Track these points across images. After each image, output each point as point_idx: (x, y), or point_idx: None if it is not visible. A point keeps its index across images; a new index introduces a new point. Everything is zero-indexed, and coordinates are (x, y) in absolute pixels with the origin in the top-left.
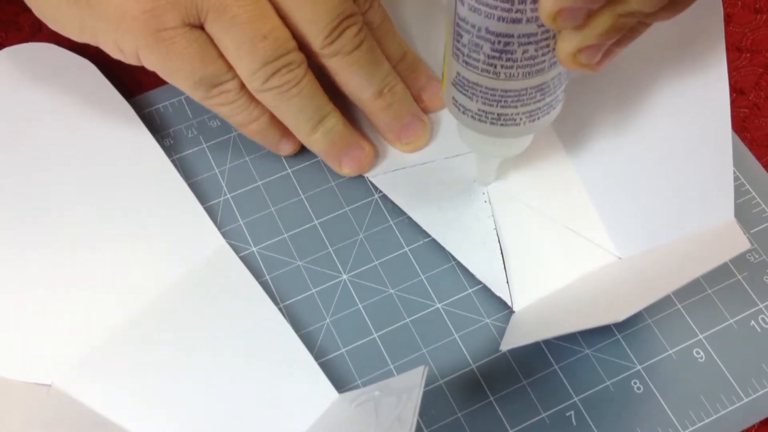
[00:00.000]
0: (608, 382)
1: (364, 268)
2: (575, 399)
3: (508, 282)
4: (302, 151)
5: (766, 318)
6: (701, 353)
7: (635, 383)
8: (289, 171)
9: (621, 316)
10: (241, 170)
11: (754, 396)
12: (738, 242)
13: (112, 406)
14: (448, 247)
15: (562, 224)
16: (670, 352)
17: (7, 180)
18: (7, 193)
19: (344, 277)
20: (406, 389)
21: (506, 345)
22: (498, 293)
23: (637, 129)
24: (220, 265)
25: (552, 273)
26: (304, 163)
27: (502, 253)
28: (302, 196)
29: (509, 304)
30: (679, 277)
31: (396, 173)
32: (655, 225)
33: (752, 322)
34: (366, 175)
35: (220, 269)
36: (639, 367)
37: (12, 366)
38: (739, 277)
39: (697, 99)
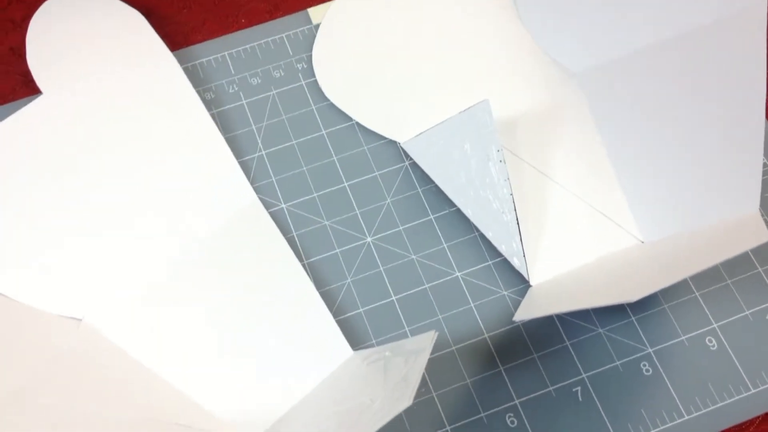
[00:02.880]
0: (618, 362)
1: (388, 232)
2: (583, 376)
3: (524, 255)
4: (337, 113)
5: None
6: (713, 342)
7: (644, 365)
8: (324, 132)
9: (634, 297)
10: (278, 128)
11: (762, 388)
12: (759, 234)
13: (138, 346)
14: (470, 216)
15: (586, 203)
16: (683, 338)
17: (55, 123)
18: (55, 135)
19: (368, 239)
20: (415, 352)
21: (519, 317)
22: (515, 266)
23: (670, 116)
24: (250, 219)
25: (572, 250)
26: (339, 125)
27: (518, 225)
28: (334, 158)
29: (526, 277)
30: (696, 263)
31: (424, 138)
32: (681, 212)
33: (767, 316)
34: (398, 141)
35: (250, 223)
36: (650, 350)
37: (46, 298)
38: (760, 269)
39: (732, 89)
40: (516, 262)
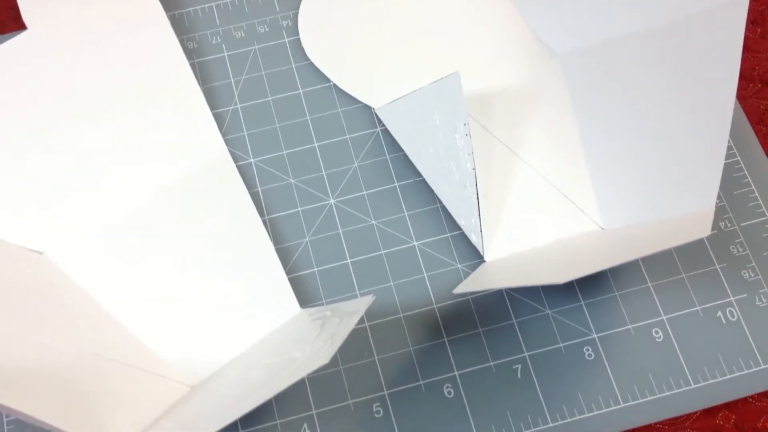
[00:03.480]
0: (561, 344)
1: (352, 195)
2: (525, 354)
3: (481, 231)
4: (316, 74)
5: (734, 311)
6: (660, 333)
7: (587, 350)
8: (301, 91)
9: (562, 279)
10: (256, 83)
11: (702, 384)
12: (701, 229)
13: (94, 284)
14: (433, 187)
15: (552, 185)
16: (629, 326)
17: (35, 59)
18: (34, 72)
19: (331, 201)
20: (350, 313)
21: (459, 289)
22: (472, 240)
23: (643, 106)
24: (217, 170)
25: (531, 231)
26: (317, 86)
27: (478, 200)
28: (308, 118)
29: (481, 252)
30: (633, 251)
31: (397, 105)
32: (642, 202)
33: (719, 313)
34: (373, 106)
35: (217, 174)
36: (594, 335)
37: (10, 229)
38: (717, 267)
39: (705, 86)
40: (473, 238)
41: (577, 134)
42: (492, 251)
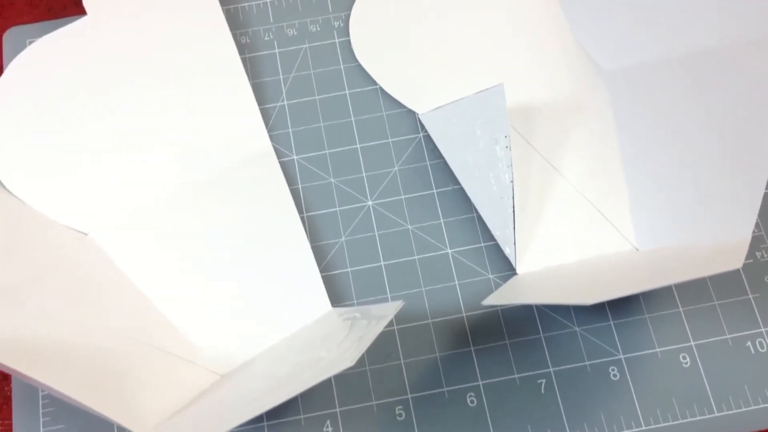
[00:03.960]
0: (587, 362)
1: (390, 199)
2: (550, 369)
3: (515, 243)
4: (364, 76)
5: (763, 342)
6: (687, 359)
7: (613, 369)
8: (347, 92)
9: (590, 300)
10: (304, 82)
11: (726, 413)
12: (733, 261)
13: (135, 268)
14: (470, 196)
15: (589, 201)
16: (657, 350)
17: (93, 44)
18: (91, 55)
19: (369, 203)
20: (379, 317)
21: (488, 301)
22: (506, 252)
23: (688, 129)
24: (261, 164)
25: (565, 246)
26: (363, 87)
27: (514, 213)
28: (352, 119)
29: (513, 265)
30: (662, 278)
31: (441, 113)
32: (679, 226)
33: (748, 343)
34: (417, 111)
35: (260, 168)
36: (621, 356)
37: (57, 209)
38: (751, 296)
39: (750, 115)
40: (506, 249)
41: (617, 152)
42: (524, 264)
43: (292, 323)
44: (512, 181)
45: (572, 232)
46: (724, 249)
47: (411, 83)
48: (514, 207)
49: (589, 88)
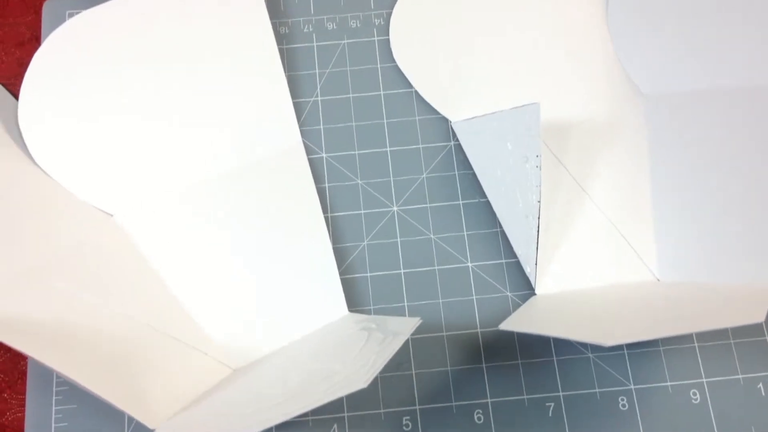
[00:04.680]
0: (597, 390)
1: (415, 206)
2: (560, 393)
3: (536, 264)
4: (400, 77)
5: None
6: (698, 395)
7: (622, 399)
8: (382, 93)
9: (608, 342)
10: (339, 78)
11: None
12: (755, 313)
13: (157, 253)
14: (496, 211)
15: (615, 227)
16: (668, 383)
17: (135, 20)
18: (132, 32)
19: (395, 208)
20: (395, 333)
21: (505, 326)
22: (526, 271)
23: (724, 165)
24: (289, 160)
25: (586, 271)
26: (398, 89)
27: (538, 233)
28: (384, 120)
29: (533, 285)
30: (681, 325)
31: (474, 124)
32: (703, 263)
33: (760, 385)
34: (450, 119)
35: (289, 164)
36: (632, 387)
37: (86, 188)
38: (767, 338)
39: None
40: (527, 269)
41: (648, 180)
42: (544, 285)
43: (307, 324)
44: (539, 201)
45: (595, 257)
46: (746, 296)
47: (447, 90)
48: (538, 227)
49: (626, 112)
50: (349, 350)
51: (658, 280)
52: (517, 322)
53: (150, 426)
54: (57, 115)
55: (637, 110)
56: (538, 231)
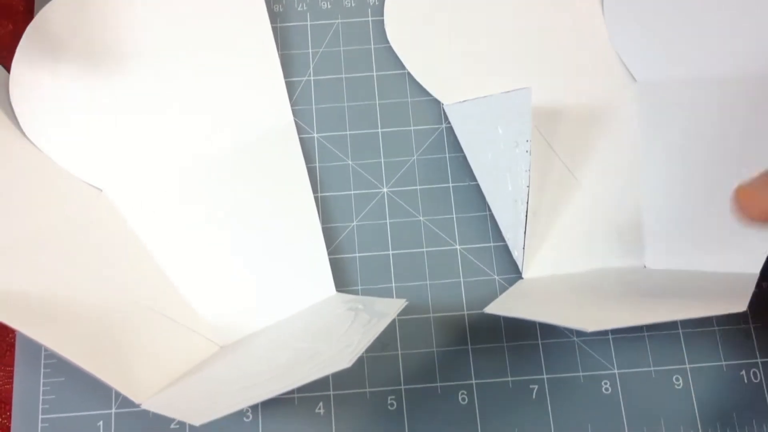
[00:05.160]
0: (580, 373)
1: (405, 188)
2: (544, 376)
3: (524, 248)
4: (393, 59)
5: (758, 373)
6: (680, 381)
7: (605, 383)
8: (375, 74)
9: (590, 328)
10: (332, 58)
11: None
12: (737, 302)
13: (146, 229)
14: (485, 194)
15: (603, 214)
16: (651, 369)
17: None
18: (130, 13)
19: (384, 189)
20: (381, 314)
21: (491, 309)
22: (514, 255)
23: (715, 154)
24: (280, 138)
25: (573, 256)
26: (391, 71)
27: (526, 217)
28: (376, 102)
29: (520, 268)
30: (665, 312)
31: (466, 107)
32: (689, 252)
33: (742, 372)
34: (442, 101)
35: (280, 143)
36: (615, 371)
37: (75, 161)
38: (752, 326)
39: None
40: (515, 253)
41: (638, 167)
42: (531, 269)
43: (294, 303)
44: (528, 186)
45: (582, 243)
46: (730, 284)
47: (440, 72)
48: (527, 212)
49: (619, 99)
50: (335, 330)
51: (645, 266)
52: (503, 306)
53: (136, 401)
54: (48, 88)
55: (630, 97)
56: (526, 216)
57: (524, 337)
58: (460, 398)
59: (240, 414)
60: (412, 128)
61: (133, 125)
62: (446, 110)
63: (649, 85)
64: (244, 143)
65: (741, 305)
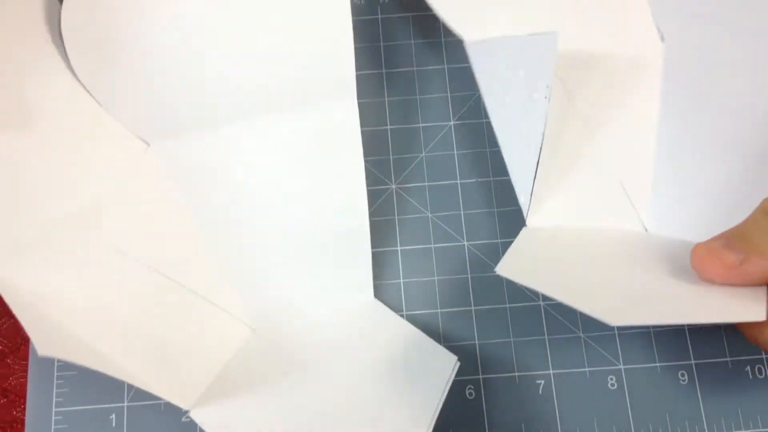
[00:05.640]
0: (587, 369)
1: (413, 184)
2: (550, 371)
3: (532, 193)
4: (402, 55)
5: (762, 369)
6: (686, 377)
7: (611, 379)
8: (384, 71)
9: (617, 322)
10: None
11: None
12: (755, 310)
13: (187, 191)
14: (498, 136)
15: (613, 171)
16: (657, 364)
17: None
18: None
19: (393, 186)
20: (433, 372)
21: (502, 270)
22: (519, 200)
23: (742, 121)
24: (341, 124)
25: (578, 210)
26: (400, 68)
27: (538, 162)
28: (386, 99)
29: (525, 215)
30: (691, 314)
31: (489, 45)
32: (695, 221)
33: (747, 367)
34: (464, 38)
35: (340, 128)
36: (621, 366)
37: (124, 114)
38: None
39: None
40: (521, 198)
41: (656, 128)
42: (536, 219)
43: (331, 296)
44: (543, 133)
45: (589, 198)
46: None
47: (465, 6)
48: (539, 158)
49: (645, 58)
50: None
51: (647, 230)
52: (513, 267)
53: (185, 406)
54: (100, 25)
55: (658, 56)
56: (538, 162)
57: (530, 332)
58: (467, 393)
59: None
60: (420, 125)
61: (188, 76)
62: (467, 48)
63: (678, 44)
64: (306, 131)
65: (760, 314)
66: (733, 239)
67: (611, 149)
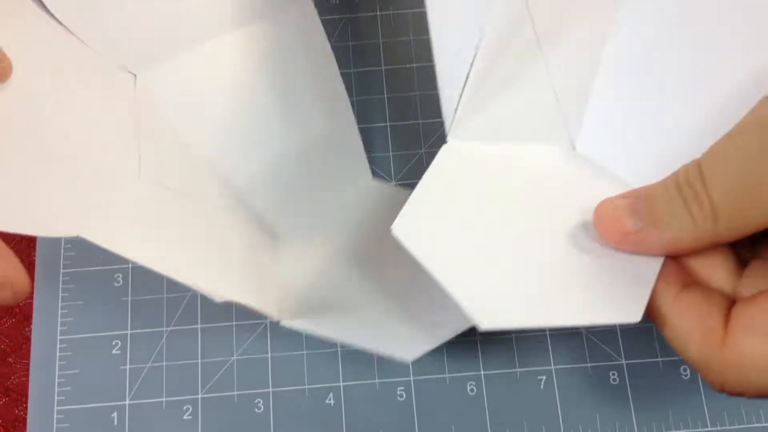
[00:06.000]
0: (588, 364)
1: (413, 181)
2: (551, 367)
3: (457, 108)
4: (401, 52)
5: None
6: (687, 372)
7: (613, 374)
8: (383, 68)
9: (632, 318)
10: (341, 53)
11: (720, 428)
12: (631, 311)
13: (181, 118)
14: (433, 40)
15: (554, 91)
16: (659, 359)
17: None
18: None
19: (393, 183)
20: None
21: (399, 229)
22: (443, 112)
23: (686, 58)
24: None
25: (505, 125)
26: (399, 65)
27: (468, 75)
28: (385, 95)
29: (446, 129)
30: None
31: None
32: (622, 146)
33: None
34: None
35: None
36: (623, 362)
37: (110, 45)
38: None
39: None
40: (444, 112)
41: (608, 50)
42: (457, 133)
43: (330, 181)
44: (481, 44)
45: (520, 114)
46: (624, 293)
47: None
48: (470, 71)
49: None
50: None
51: (574, 149)
52: (411, 226)
53: (278, 318)
54: None
55: None
56: (469, 73)
57: (532, 328)
58: (468, 389)
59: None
60: (420, 122)
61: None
62: None
63: None
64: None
65: (635, 315)
66: (640, 201)
67: (555, 71)
